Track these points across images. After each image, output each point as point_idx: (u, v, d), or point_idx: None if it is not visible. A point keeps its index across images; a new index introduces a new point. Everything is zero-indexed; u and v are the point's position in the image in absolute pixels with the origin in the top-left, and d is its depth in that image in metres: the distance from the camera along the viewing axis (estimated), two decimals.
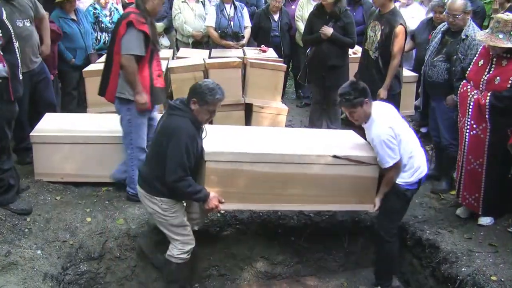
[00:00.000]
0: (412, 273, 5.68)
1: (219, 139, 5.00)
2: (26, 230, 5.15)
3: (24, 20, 6.07)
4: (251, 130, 5.84)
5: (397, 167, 4.91)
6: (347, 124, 6.73)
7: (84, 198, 5.82)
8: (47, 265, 4.84)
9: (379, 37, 6.61)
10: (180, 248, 4.86)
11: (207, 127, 4.84)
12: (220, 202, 4.78)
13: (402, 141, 4.86)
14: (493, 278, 4.70)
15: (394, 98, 6.70)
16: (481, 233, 5.36)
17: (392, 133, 4.79)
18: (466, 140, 5.35)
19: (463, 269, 4.95)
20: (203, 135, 4.76)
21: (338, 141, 5.39)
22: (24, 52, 5.85)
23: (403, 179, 4.97)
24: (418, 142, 5.12)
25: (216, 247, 5.71)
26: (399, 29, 6.50)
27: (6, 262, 4.67)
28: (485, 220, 5.47)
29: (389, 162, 4.84)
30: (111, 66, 5.48)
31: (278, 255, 5.86)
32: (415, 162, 4.96)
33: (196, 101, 4.49)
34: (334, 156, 4.93)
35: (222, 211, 5.43)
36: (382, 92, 6.60)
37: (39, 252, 4.93)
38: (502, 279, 4.66)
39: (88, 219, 5.44)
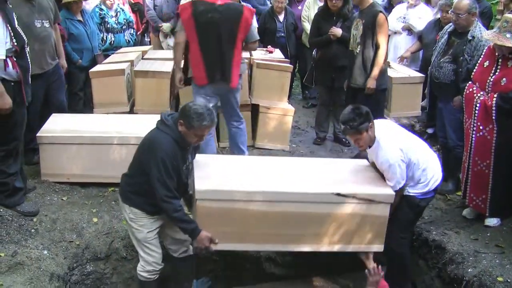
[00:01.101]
0: (418, 274, 5.64)
1: (212, 173, 4.73)
2: (33, 230, 5.17)
3: (44, 21, 6.09)
4: (248, 161, 5.47)
5: (401, 191, 4.85)
6: None
7: (90, 198, 5.84)
8: (53, 265, 4.87)
9: (361, 31, 6.58)
10: (142, 265, 4.68)
11: (198, 157, 4.82)
12: (213, 242, 4.51)
13: (412, 159, 4.76)
14: (500, 279, 4.68)
15: (380, 95, 6.71)
16: (488, 234, 5.34)
17: (402, 156, 4.68)
18: (473, 141, 5.33)
19: (469, 270, 4.93)
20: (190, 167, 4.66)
21: (346, 174, 5.00)
22: (41, 53, 5.90)
23: (417, 190, 4.88)
24: (429, 149, 5.05)
25: None
26: (380, 17, 6.51)
27: (12, 262, 4.69)
28: (492, 221, 5.44)
29: (396, 187, 4.75)
30: (233, 53, 6.06)
31: (285, 256, 5.84)
32: (429, 173, 4.86)
33: (183, 123, 4.29)
34: (338, 194, 4.56)
35: (214, 253, 4.97)
36: (370, 82, 6.56)
37: (45, 252, 4.95)
38: (509, 280, 4.65)
39: (95, 220, 5.47)
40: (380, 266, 4.62)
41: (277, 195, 4.53)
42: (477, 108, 5.23)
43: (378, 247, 4.83)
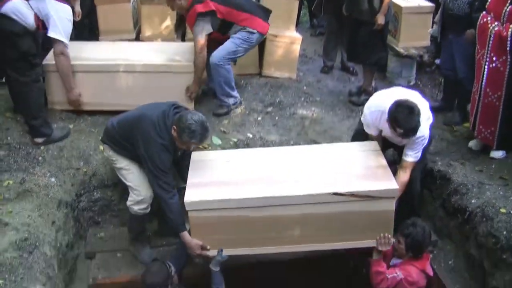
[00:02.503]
0: (422, 204, 5.65)
1: (204, 177, 4.47)
2: (40, 158, 5.16)
3: None
4: (242, 155, 4.94)
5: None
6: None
7: (97, 126, 5.77)
8: (61, 192, 4.89)
9: None
10: (132, 196, 4.64)
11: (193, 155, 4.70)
12: (204, 249, 4.39)
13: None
14: (502, 210, 4.65)
15: (384, 29, 6.50)
16: (493, 166, 5.30)
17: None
18: (485, 73, 5.17)
19: (473, 201, 4.91)
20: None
21: (345, 167, 4.55)
22: None
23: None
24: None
25: None
26: None
27: (21, 189, 4.71)
28: (497, 154, 5.39)
29: (419, 157, 4.69)
30: None
31: None
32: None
33: (175, 130, 4.26)
34: (336, 194, 4.19)
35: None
36: (380, 18, 6.28)
37: (53, 179, 4.95)
38: (511, 212, 4.61)
39: (101, 147, 5.36)
40: (390, 236, 4.41)
41: (271, 200, 4.24)
42: (491, 39, 5.05)
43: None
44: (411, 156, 4.68)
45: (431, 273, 4.45)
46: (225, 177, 4.49)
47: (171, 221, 4.45)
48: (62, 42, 5.27)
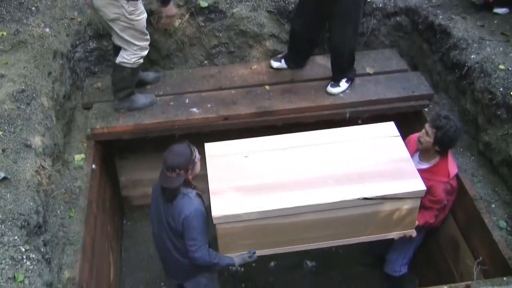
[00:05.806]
0: (421, 57, 5.53)
1: (226, 184, 4.06)
2: (33, 8, 4.98)
3: None
4: (257, 147, 4.44)
5: None
6: None
7: None
8: (56, 43, 4.75)
9: None
10: (137, 54, 4.53)
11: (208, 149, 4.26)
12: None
13: None
14: (501, 67, 4.55)
15: None
16: (495, 22, 5.10)
17: None
18: None
19: (472, 56, 4.79)
20: None
21: (371, 160, 4.20)
22: None
23: None
24: None
25: (225, 23, 5.46)
26: None
27: (15, 40, 4.58)
28: (500, 9, 5.18)
29: None
30: None
31: (287, 33, 5.65)
32: None
33: None
34: (365, 199, 3.95)
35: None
36: None
37: (47, 30, 4.79)
38: (510, 69, 4.52)
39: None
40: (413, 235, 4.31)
41: (301, 208, 3.97)
42: None
43: (411, 232, 4.38)
44: None
45: (455, 171, 4.24)
46: (248, 180, 4.12)
47: None
48: None
